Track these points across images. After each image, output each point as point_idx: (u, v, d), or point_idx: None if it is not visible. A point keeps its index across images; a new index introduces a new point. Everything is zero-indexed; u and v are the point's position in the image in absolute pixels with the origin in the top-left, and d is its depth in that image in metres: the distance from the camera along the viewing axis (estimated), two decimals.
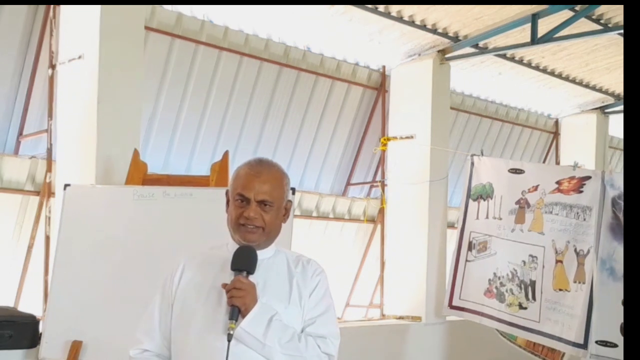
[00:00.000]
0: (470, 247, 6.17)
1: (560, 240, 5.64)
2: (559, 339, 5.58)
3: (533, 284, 5.76)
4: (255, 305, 2.15)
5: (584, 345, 5.39)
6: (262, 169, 2.27)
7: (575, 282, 5.53)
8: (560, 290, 5.62)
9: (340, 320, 7.44)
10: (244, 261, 2.21)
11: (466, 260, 6.18)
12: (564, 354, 6.01)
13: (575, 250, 5.56)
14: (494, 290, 5.99)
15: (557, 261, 5.65)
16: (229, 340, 2.09)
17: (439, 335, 7.23)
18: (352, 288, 7.74)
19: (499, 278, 5.96)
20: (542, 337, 5.72)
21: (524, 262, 5.81)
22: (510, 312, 5.86)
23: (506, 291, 5.91)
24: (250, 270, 2.20)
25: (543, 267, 5.71)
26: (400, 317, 7.14)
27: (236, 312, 2.13)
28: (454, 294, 6.23)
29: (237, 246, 2.26)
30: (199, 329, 2.19)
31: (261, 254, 2.25)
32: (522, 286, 5.82)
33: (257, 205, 2.23)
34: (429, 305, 7.01)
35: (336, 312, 2.39)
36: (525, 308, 5.80)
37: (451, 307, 6.28)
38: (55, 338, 4.10)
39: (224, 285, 2.17)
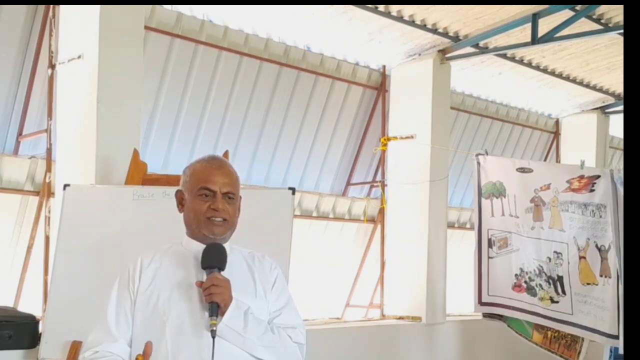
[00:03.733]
0: (490, 244, 6.14)
1: (581, 238, 5.64)
2: (594, 331, 5.59)
3: (561, 279, 5.77)
4: (232, 300, 2.16)
5: (617, 336, 5.41)
6: (221, 163, 2.33)
7: (601, 276, 5.54)
8: (588, 284, 5.63)
9: (340, 320, 7.44)
10: (215, 258, 2.22)
11: (489, 257, 6.15)
12: (580, 350, 6.00)
13: (597, 246, 5.56)
14: (524, 285, 5.97)
15: (581, 257, 5.66)
16: (213, 337, 2.10)
17: (439, 336, 7.23)
18: (352, 288, 7.73)
19: (527, 273, 5.95)
20: (577, 328, 5.72)
21: (549, 259, 5.81)
22: (544, 306, 5.87)
23: (536, 285, 5.91)
24: (222, 266, 2.22)
25: (568, 263, 5.71)
26: (400, 317, 7.14)
27: (216, 309, 2.13)
28: (482, 290, 6.20)
29: (196, 243, 2.28)
30: (176, 327, 2.18)
31: None
32: (551, 281, 5.82)
33: (222, 197, 2.26)
34: (429, 306, 7.00)
35: (295, 303, 2.43)
36: (557, 302, 5.81)
37: (481, 304, 6.24)
38: (55, 338, 4.09)
39: (199, 283, 2.18)
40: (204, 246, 2.26)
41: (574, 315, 5.70)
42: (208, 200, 2.26)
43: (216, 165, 2.31)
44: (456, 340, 7.54)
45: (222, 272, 2.21)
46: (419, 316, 7.02)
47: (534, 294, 5.94)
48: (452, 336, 7.48)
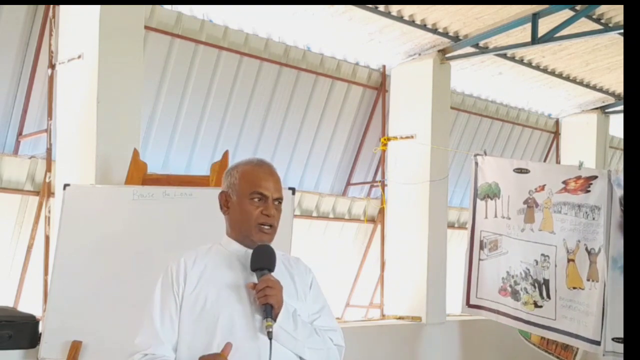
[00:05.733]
0: (481, 246, 6.15)
1: (571, 240, 5.63)
2: (576, 336, 5.58)
3: (547, 282, 5.76)
4: (283, 302, 2.17)
5: (600, 342, 5.40)
6: (271, 168, 2.33)
7: (588, 280, 5.53)
8: (575, 288, 5.62)
9: (340, 320, 7.44)
10: (266, 260, 2.22)
11: (479, 259, 6.16)
12: (576, 352, 6.00)
13: (587, 249, 5.55)
14: (509, 289, 5.98)
15: (569, 260, 5.65)
16: (270, 338, 2.09)
17: (439, 336, 7.22)
18: (352, 288, 7.73)
19: (513, 277, 5.95)
20: (558, 334, 5.72)
21: (536, 262, 5.81)
22: (527, 311, 5.86)
23: (521, 289, 5.90)
24: (272, 268, 2.22)
25: (555, 266, 5.70)
26: (401, 317, 7.14)
27: (270, 310, 2.13)
28: (471, 292, 6.21)
29: (238, 245, 2.27)
30: (227, 329, 2.16)
31: None
32: (536, 285, 5.82)
33: (273, 203, 2.26)
34: (429, 306, 7.00)
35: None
36: (541, 306, 5.80)
37: (469, 305, 6.25)
38: (55, 338, 4.09)
39: (252, 285, 2.17)
40: (246, 249, 2.26)
41: (557, 320, 5.69)
42: (260, 205, 2.25)
43: (268, 170, 2.30)
44: (456, 340, 7.54)
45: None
46: (419, 316, 7.02)
47: (518, 299, 5.93)
48: (452, 336, 7.48)
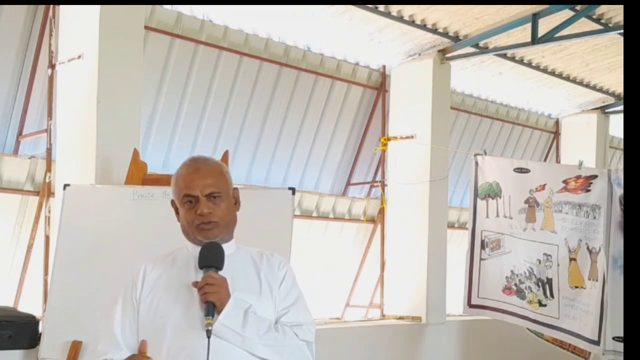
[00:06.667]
0: (483, 245, 6.14)
1: (573, 239, 5.63)
2: (578, 336, 5.58)
3: (550, 281, 5.76)
4: (229, 299, 2.14)
5: (598, 342, 5.40)
6: (199, 164, 2.29)
7: (589, 279, 5.53)
8: (577, 287, 5.62)
9: (340, 320, 7.44)
10: (211, 257, 2.20)
11: (480, 259, 6.15)
12: None
13: (588, 248, 5.55)
14: (514, 287, 5.97)
15: (571, 259, 5.65)
16: (208, 337, 2.08)
17: (439, 336, 7.22)
18: (352, 288, 7.73)
19: (517, 276, 5.95)
20: (562, 333, 5.73)
21: (539, 261, 5.81)
22: (532, 309, 5.87)
23: (526, 288, 5.90)
24: (219, 265, 2.20)
25: (558, 265, 5.70)
26: (401, 317, 7.14)
27: (212, 308, 2.12)
28: (472, 292, 6.19)
29: (193, 246, 2.27)
30: (175, 329, 2.17)
31: (224, 250, 2.25)
32: (540, 284, 5.82)
33: (207, 199, 2.22)
34: (429, 306, 7.01)
35: (306, 301, 2.39)
36: (545, 305, 5.80)
37: (470, 306, 6.24)
38: (55, 338, 4.09)
39: (195, 284, 2.16)
40: (199, 248, 2.25)
41: (560, 319, 5.70)
42: (193, 207, 2.23)
43: (193, 168, 2.27)
44: (456, 340, 7.54)
45: (224, 271, 2.20)
46: (419, 316, 7.02)
47: (523, 297, 5.93)
48: (452, 336, 7.48)
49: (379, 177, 7.55)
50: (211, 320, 2.10)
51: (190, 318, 2.17)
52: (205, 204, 2.22)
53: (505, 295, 6.04)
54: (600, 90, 8.62)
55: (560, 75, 8.03)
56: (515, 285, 5.97)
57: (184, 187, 2.24)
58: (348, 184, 7.61)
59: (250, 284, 2.25)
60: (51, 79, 5.11)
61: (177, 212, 2.31)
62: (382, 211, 7.47)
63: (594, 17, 6.50)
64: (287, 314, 2.27)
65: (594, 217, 5.50)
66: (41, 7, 5.22)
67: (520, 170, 5.93)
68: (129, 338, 2.23)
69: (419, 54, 7.05)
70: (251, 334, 2.15)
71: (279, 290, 2.29)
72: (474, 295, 6.19)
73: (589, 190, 5.54)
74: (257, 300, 2.22)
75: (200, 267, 2.20)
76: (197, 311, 2.15)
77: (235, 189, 2.33)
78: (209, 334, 2.08)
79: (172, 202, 2.33)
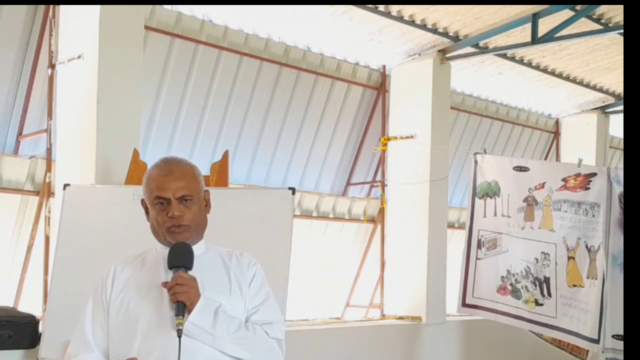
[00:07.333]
0: (479, 245, 6.14)
1: (571, 237, 5.62)
2: (576, 334, 5.58)
3: (547, 280, 5.75)
4: (199, 298, 2.14)
5: (598, 340, 5.40)
6: (171, 166, 2.26)
7: (588, 277, 5.53)
8: (575, 286, 5.61)
9: (340, 320, 7.44)
10: (180, 258, 2.20)
11: (476, 258, 6.15)
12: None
13: (587, 246, 5.55)
14: (509, 287, 5.97)
15: (569, 258, 5.64)
16: (179, 336, 2.08)
17: (439, 336, 7.22)
18: (352, 288, 7.73)
19: (514, 275, 5.94)
20: (559, 332, 5.72)
21: (537, 260, 5.80)
22: (528, 309, 5.86)
23: (522, 288, 5.89)
24: (188, 265, 2.20)
25: (556, 264, 5.69)
26: (401, 317, 7.14)
27: (182, 308, 2.12)
28: (467, 292, 6.19)
29: (162, 247, 2.27)
30: (146, 329, 2.17)
31: (194, 250, 2.25)
32: (537, 283, 5.81)
33: (179, 202, 2.21)
34: (429, 305, 7.01)
35: (275, 300, 2.38)
36: (542, 305, 5.79)
37: (464, 305, 6.24)
38: (55, 338, 4.09)
39: (165, 284, 2.16)
40: (168, 249, 2.25)
41: (558, 318, 5.69)
42: (164, 209, 2.22)
43: (166, 170, 2.24)
44: (456, 340, 7.54)
45: (193, 271, 2.20)
46: (419, 316, 7.02)
47: (519, 297, 5.92)
48: (452, 336, 7.48)
49: (379, 177, 7.56)
50: (181, 320, 2.10)
51: (160, 318, 2.17)
52: (177, 207, 2.21)
53: (499, 296, 6.04)
54: (600, 90, 8.63)
55: (560, 75, 8.03)
56: (511, 284, 5.96)
57: (155, 188, 2.22)
58: (348, 184, 7.61)
59: (220, 283, 2.26)
60: (51, 79, 5.11)
61: (147, 212, 2.31)
62: (382, 211, 7.47)
63: (594, 17, 6.50)
64: (257, 313, 2.27)
65: (593, 215, 5.50)
66: (41, 7, 5.22)
67: (520, 169, 5.93)
68: (100, 339, 2.24)
69: (419, 54, 7.05)
70: (222, 333, 2.15)
71: (248, 289, 2.29)
72: (469, 295, 6.19)
73: (588, 188, 5.53)
74: (227, 299, 2.22)
75: (170, 268, 2.20)
76: (168, 311, 2.16)
77: (207, 191, 2.33)
78: (179, 333, 2.08)
79: (142, 201, 2.32)
